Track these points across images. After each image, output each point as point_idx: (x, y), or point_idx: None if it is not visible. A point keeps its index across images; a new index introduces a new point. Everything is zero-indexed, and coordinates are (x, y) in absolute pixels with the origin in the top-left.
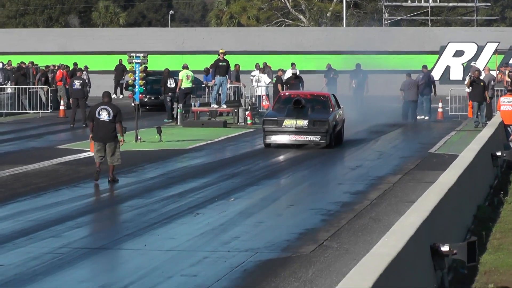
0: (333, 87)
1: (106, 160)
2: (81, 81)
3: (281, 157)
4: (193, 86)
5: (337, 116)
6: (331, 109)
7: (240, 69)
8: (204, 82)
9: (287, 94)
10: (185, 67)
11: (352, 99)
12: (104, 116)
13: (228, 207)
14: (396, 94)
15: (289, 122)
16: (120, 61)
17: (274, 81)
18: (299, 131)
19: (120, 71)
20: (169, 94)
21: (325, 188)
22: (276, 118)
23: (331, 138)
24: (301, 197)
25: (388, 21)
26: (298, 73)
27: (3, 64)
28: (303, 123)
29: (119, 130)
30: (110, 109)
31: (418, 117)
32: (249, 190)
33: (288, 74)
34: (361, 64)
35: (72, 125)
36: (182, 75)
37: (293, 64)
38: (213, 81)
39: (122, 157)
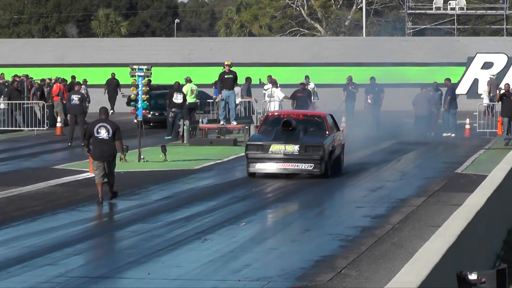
0: (351, 102)
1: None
2: (79, 96)
3: (295, 179)
4: (198, 101)
5: (335, 141)
6: (327, 132)
7: (252, 83)
8: (213, 97)
9: (275, 114)
10: (188, 80)
11: (367, 115)
12: (103, 134)
13: (238, 232)
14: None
15: (276, 147)
16: (113, 75)
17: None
18: (288, 158)
19: (113, 86)
20: (173, 109)
21: (343, 211)
22: (261, 143)
23: (327, 167)
24: (317, 221)
25: (411, 30)
26: (313, 86)
27: None
28: (293, 148)
29: (120, 148)
30: (109, 126)
31: (444, 134)
32: (261, 214)
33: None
34: (375, 78)
35: (69, 144)
36: (186, 89)
37: (306, 77)
38: (220, 95)
39: (124, 178)
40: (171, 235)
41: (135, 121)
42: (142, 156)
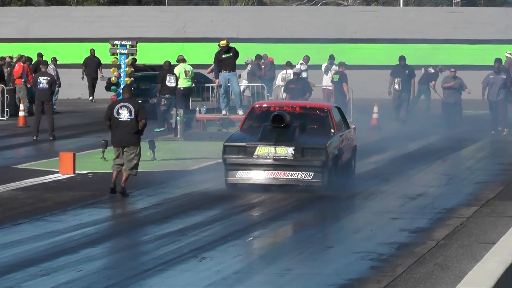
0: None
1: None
2: (48, 78)
3: None
4: (193, 85)
5: (343, 142)
6: (332, 130)
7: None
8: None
9: (263, 105)
10: (181, 59)
11: (392, 104)
12: (124, 115)
13: (244, 249)
14: (467, 97)
15: (264, 150)
16: (92, 51)
17: (336, 80)
18: (280, 164)
19: (94, 65)
20: (167, 95)
21: (375, 224)
22: (244, 144)
23: (331, 176)
24: (342, 236)
25: None
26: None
27: None
28: (286, 151)
29: (142, 128)
30: (131, 107)
31: (493, 132)
32: (272, 226)
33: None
34: (406, 57)
35: (35, 137)
36: (179, 70)
37: (331, 57)
38: (217, 81)
39: (102, 181)
40: (160, 252)
41: None
42: None
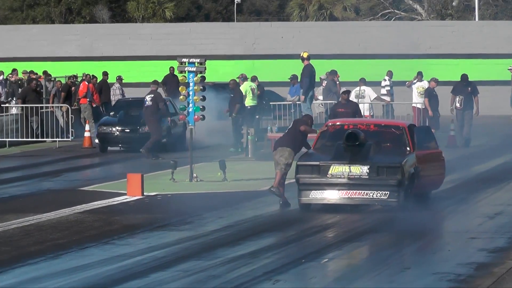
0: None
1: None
2: (152, 95)
3: None
4: (264, 102)
5: (421, 160)
6: (408, 148)
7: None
8: (288, 98)
9: (337, 123)
10: (245, 77)
11: (459, 123)
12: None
13: (319, 272)
14: None
15: (338, 169)
16: (172, 69)
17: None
18: (354, 183)
19: (174, 84)
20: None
21: (453, 244)
22: (317, 163)
23: (408, 195)
24: (419, 257)
25: None
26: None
27: (4, 76)
28: (361, 170)
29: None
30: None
31: None
32: (347, 248)
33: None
34: (467, 75)
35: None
36: (245, 89)
37: (419, 73)
38: (302, 97)
39: (172, 202)
40: (232, 276)
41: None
42: (194, 175)
